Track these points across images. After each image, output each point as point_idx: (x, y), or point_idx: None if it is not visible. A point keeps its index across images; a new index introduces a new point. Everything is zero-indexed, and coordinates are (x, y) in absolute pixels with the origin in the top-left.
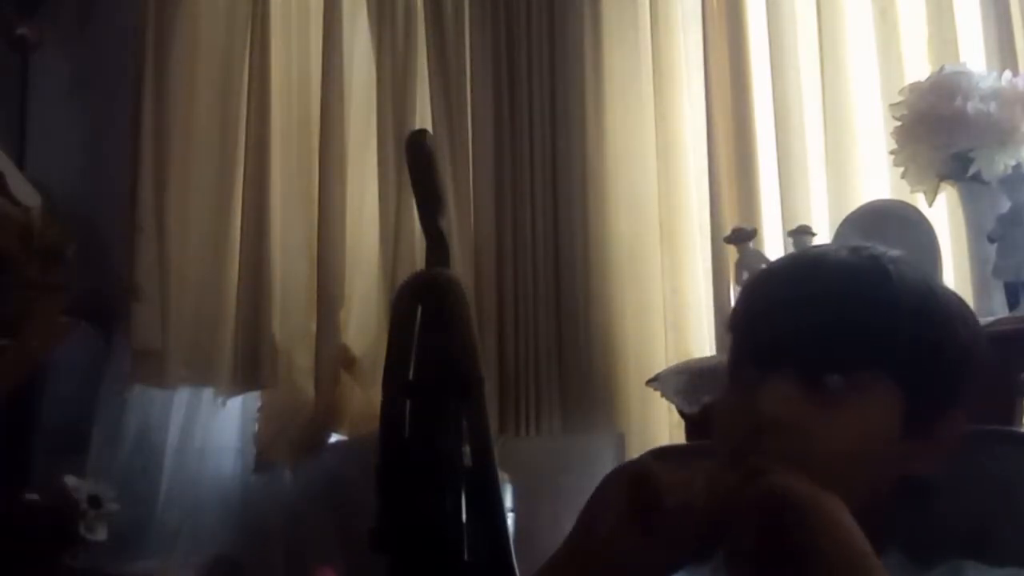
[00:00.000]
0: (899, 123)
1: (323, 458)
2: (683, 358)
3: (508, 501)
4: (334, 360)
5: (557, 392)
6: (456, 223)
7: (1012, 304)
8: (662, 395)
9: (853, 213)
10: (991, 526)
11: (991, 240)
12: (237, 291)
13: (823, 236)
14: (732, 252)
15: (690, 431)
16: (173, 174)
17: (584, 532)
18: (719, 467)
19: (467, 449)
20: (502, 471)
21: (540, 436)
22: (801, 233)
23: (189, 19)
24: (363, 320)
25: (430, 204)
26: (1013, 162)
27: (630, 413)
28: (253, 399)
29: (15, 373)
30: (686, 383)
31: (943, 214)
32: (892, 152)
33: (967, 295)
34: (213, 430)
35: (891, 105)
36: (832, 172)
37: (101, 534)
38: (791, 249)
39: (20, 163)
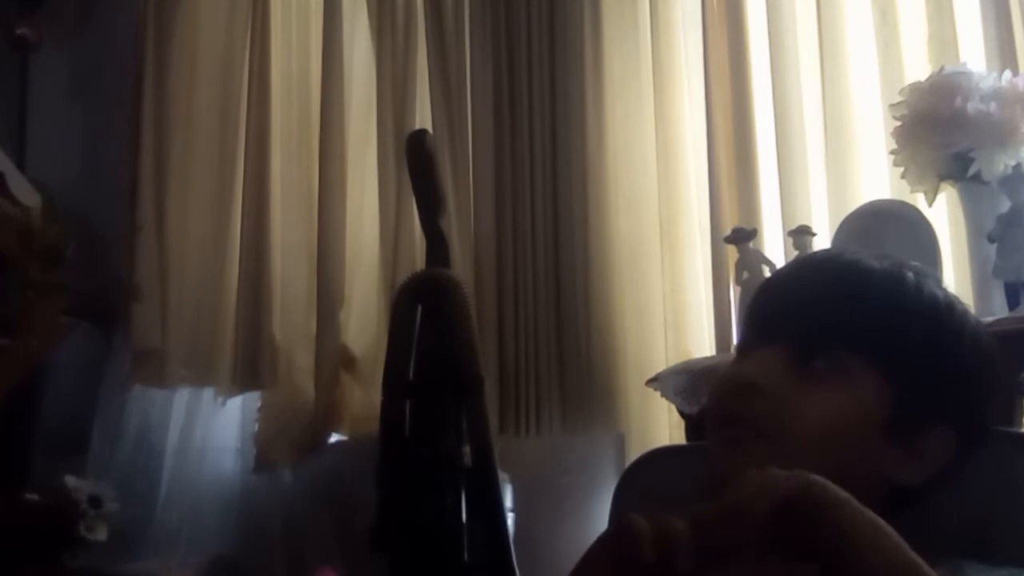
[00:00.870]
0: (899, 123)
1: (323, 458)
2: (683, 358)
3: (508, 501)
4: (334, 360)
5: (557, 392)
6: (456, 223)
7: (1012, 304)
8: (662, 395)
9: (853, 213)
10: (991, 526)
11: (991, 240)
12: (237, 291)
13: (823, 236)
14: (732, 252)
15: (690, 431)
16: (173, 174)
17: None
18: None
19: (467, 449)
20: (502, 471)
21: (540, 436)
22: (801, 233)
23: (189, 19)
24: (363, 320)
25: (430, 204)
26: (1013, 162)
27: (630, 413)
28: (253, 399)
29: (15, 373)
30: (686, 383)
31: (943, 214)
32: (892, 152)
33: (967, 295)
34: (213, 430)
35: (891, 105)
36: (832, 172)
37: (101, 534)
38: (791, 249)
39: (20, 163)
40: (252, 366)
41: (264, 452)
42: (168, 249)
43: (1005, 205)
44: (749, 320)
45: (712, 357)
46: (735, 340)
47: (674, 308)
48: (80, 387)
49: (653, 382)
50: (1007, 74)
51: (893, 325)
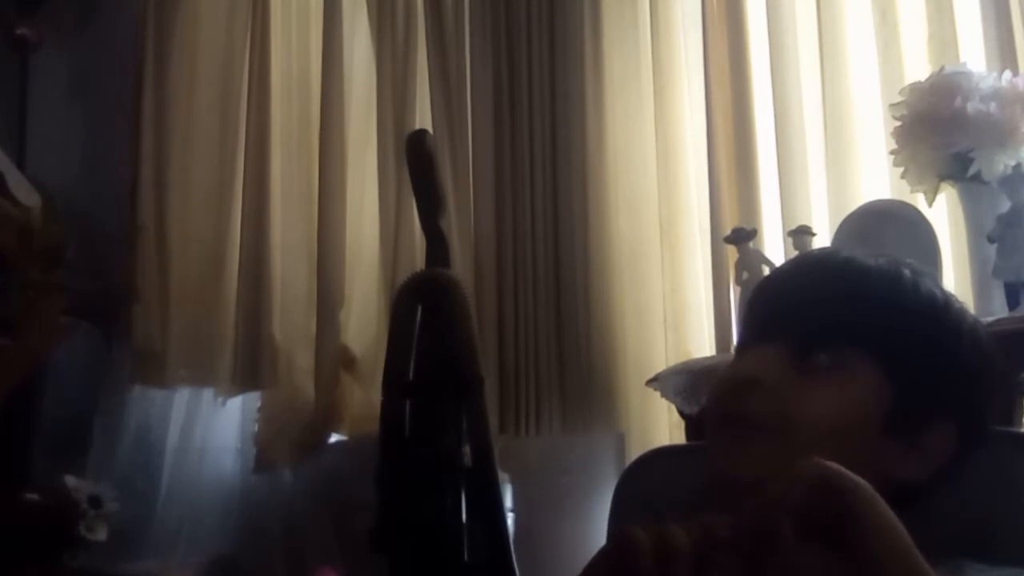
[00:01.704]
0: (899, 123)
1: (323, 458)
2: (683, 358)
3: (508, 501)
4: (334, 360)
5: (557, 392)
6: (456, 223)
7: (1012, 304)
8: (662, 395)
9: (853, 213)
10: (991, 526)
11: (991, 240)
12: (237, 291)
13: (823, 236)
14: (732, 252)
15: (690, 431)
16: (173, 174)
17: None
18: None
19: (467, 449)
20: (502, 471)
21: (540, 436)
22: (801, 233)
23: (189, 19)
24: (363, 320)
25: (430, 204)
26: (1013, 162)
27: (630, 413)
28: (253, 399)
29: (15, 373)
30: (686, 383)
31: (943, 214)
32: (892, 152)
33: (967, 295)
34: (213, 430)
35: (891, 105)
36: (832, 172)
37: (101, 534)
38: (791, 249)
39: (20, 163)
40: (252, 366)
41: (264, 452)
42: (168, 249)
43: (1005, 205)
44: (747, 320)
45: (712, 357)
46: (735, 340)
47: (674, 308)
48: (80, 387)
49: (653, 382)
50: (1007, 74)
51: (892, 322)
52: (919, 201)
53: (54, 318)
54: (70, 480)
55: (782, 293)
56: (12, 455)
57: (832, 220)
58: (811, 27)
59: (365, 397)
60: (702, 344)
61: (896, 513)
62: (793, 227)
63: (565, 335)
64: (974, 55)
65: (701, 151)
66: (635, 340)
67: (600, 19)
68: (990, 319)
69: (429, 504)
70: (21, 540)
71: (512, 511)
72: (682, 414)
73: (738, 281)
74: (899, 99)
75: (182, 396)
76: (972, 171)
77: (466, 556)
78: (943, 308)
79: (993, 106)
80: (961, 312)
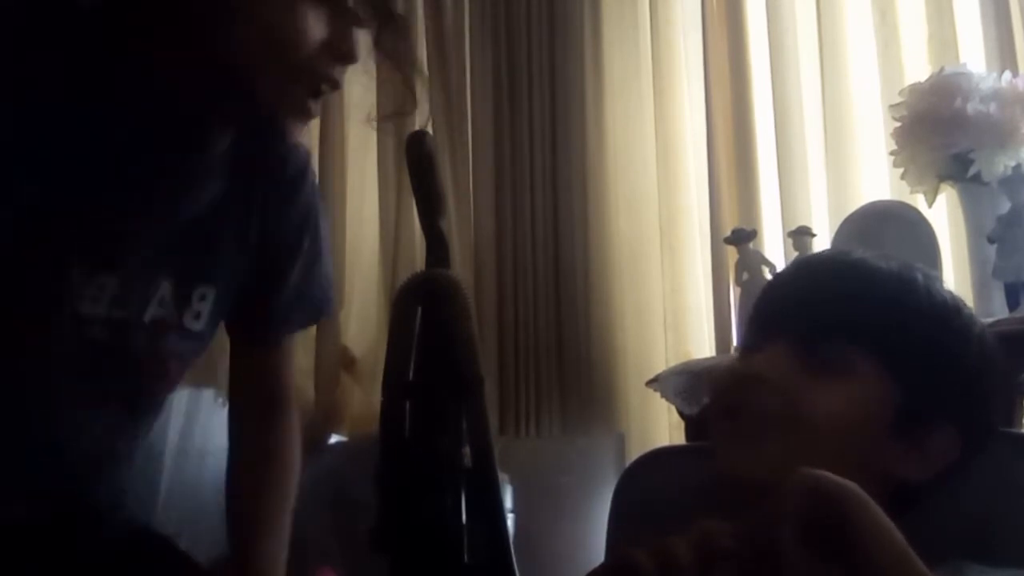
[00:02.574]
0: (899, 124)
1: (323, 458)
2: (683, 359)
3: (508, 501)
4: (334, 360)
5: (557, 392)
6: (456, 223)
7: (1012, 305)
8: (662, 396)
9: (853, 214)
10: (991, 527)
11: (991, 241)
12: None
13: (823, 237)
14: (732, 253)
15: (690, 432)
16: None
17: None
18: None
19: (467, 450)
20: (502, 471)
21: (540, 436)
22: (801, 234)
23: None
24: (363, 320)
25: (430, 205)
26: (1013, 163)
27: (630, 414)
28: None
29: None
30: (686, 384)
31: (943, 215)
32: (892, 153)
33: (967, 296)
34: (213, 430)
35: (891, 106)
36: (832, 172)
37: None
38: (791, 250)
39: None
40: None
41: None
42: None
43: (1005, 206)
44: (753, 319)
45: (712, 358)
46: (735, 341)
47: (674, 309)
48: None
49: (653, 383)
50: (1007, 75)
51: (899, 323)
52: (919, 202)
53: None
54: None
55: (788, 293)
56: None
57: (832, 220)
58: (811, 27)
59: (365, 397)
60: (702, 345)
61: (897, 514)
62: (793, 228)
63: (565, 335)
64: (974, 55)
65: (701, 151)
66: (635, 340)
67: (600, 19)
68: (990, 319)
69: (429, 504)
70: None
71: (512, 511)
72: (682, 415)
73: (738, 282)
74: (899, 99)
75: (182, 396)
76: (972, 172)
77: (466, 556)
78: (954, 313)
79: (993, 107)
80: (971, 318)
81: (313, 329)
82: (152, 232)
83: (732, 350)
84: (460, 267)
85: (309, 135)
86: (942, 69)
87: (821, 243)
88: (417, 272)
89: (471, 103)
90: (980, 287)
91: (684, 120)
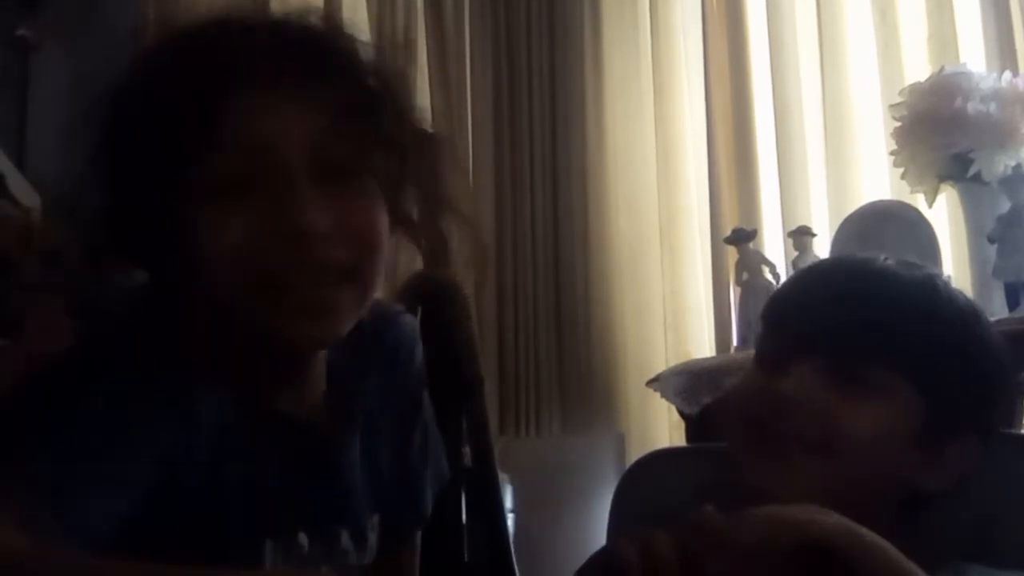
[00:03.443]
0: (899, 124)
1: None
2: (683, 359)
3: (508, 501)
4: None
5: (557, 392)
6: (456, 223)
7: (1012, 305)
8: (662, 396)
9: (853, 213)
10: (993, 528)
11: (991, 241)
12: None
13: (823, 236)
14: (732, 253)
15: (690, 432)
16: None
17: None
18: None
19: (467, 449)
20: (502, 471)
21: (540, 436)
22: (801, 234)
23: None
24: None
25: (430, 204)
26: (1013, 163)
27: (630, 413)
28: None
29: (15, 373)
30: (686, 384)
31: (943, 214)
32: (892, 153)
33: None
34: None
35: (891, 106)
36: (832, 172)
37: None
38: (791, 250)
39: (20, 163)
40: None
41: None
42: None
43: (1005, 206)
44: (775, 329)
45: (712, 358)
46: (735, 341)
47: (674, 309)
48: None
49: (653, 383)
50: (1007, 74)
51: (928, 338)
52: (919, 201)
53: (54, 318)
54: None
55: (817, 305)
56: None
57: (832, 220)
58: (811, 27)
59: None
60: (702, 344)
61: (908, 518)
62: (793, 228)
63: (565, 335)
64: (974, 55)
65: (701, 151)
66: (635, 340)
67: (600, 19)
68: (990, 320)
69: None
70: None
71: (512, 511)
72: (682, 414)
73: (738, 282)
74: (899, 99)
75: None
76: (972, 172)
77: (466, 556)
78: (974, 320)
79: (993, 106)
80: (988, 323)
81: None
82: (325, 498)
83: (732, 350)
84: (460, 267)
85: None
86: (942, 69)
87: (821, 243)
88: (417, 272)
89: (471, 103)
90: (980, 287)
91: (684, 120)
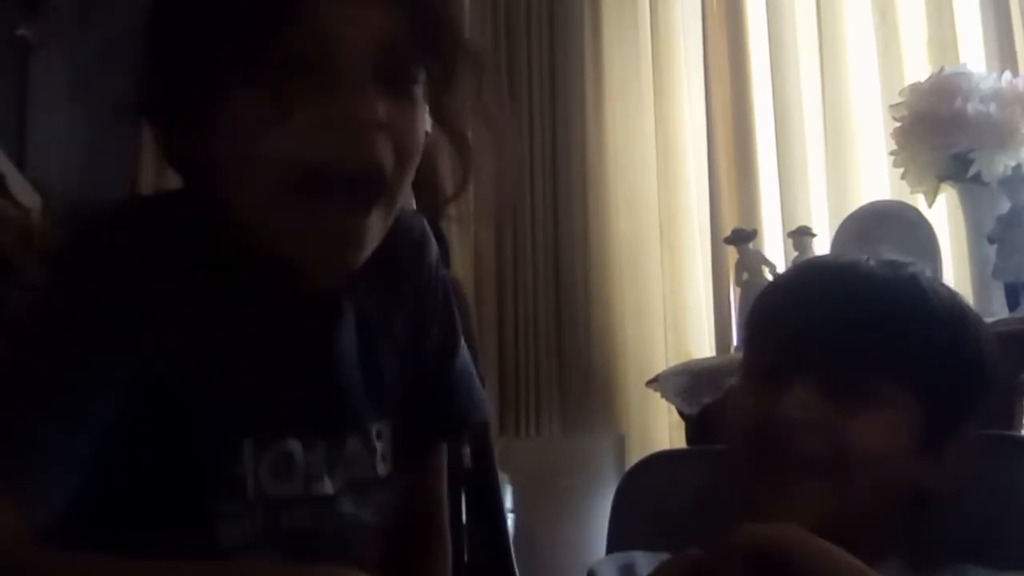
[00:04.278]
0: (899, 124)
1: None
2: (683, 359)
3: (508, 501)
4: None
5: (557, 393)
6: (456, 223)
7: (1012, 305)
8: (662, 396)
9: (853, 213)
10: (993, 530)
11: (991, 241)
12: None
13: (823, 236)
14: (732, 253)
15: (690, 432)
16: (173, 174)
17: None
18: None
19: (467, 449)
20: (502, 471)
21: (540, 437)
22: (801, 234)
23: None
24: None
25: (430, 204)
26: (1013, 163)
27: (630, 414)
28: None
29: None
30: (686, 384)
31: (943, 215)
32: (892, 153)
33: (967, 296)
34: None
35: (891, 106)
36: (832, 172)
37: None
38: (791, 250)
39: (20, 163)
40: None
41: None
42: None
43: (1005, 206)
44: (768, 338)
45: (712, 358)
46: (735, 341)
47: (674, 309)
48: None
49: (653, 383)
50: (1007, 75)
51: (922, 343)
52: (919, 202)
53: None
54: None
55: (807, 317)
56: None
57: (832, 221)
58: (811, 27)
59: None
60: (702, 344)
61: (913, 518)
62: (793, 228)
63: (565, 335)
64: (974, 55)
65: (701, 151)
66: (635, 340)
67: (600, 19)
68: (990, 320)
69: None
70: None
71: (512, 511)
72: (682, 415)
73: (738, 282)
74: (899, 100)
75: None
76: (972, 172)
77: (466, 556)
78: (963, 317)
79: (993, 107)
80: (978, 318)
81: None
82: (317, 399)
83: (732, 350)
84: (460, 267)
85: None
86: (942, 69)
87: (821, 243)
88: None
89: None
90: (980, 287)
91: (684, 120)
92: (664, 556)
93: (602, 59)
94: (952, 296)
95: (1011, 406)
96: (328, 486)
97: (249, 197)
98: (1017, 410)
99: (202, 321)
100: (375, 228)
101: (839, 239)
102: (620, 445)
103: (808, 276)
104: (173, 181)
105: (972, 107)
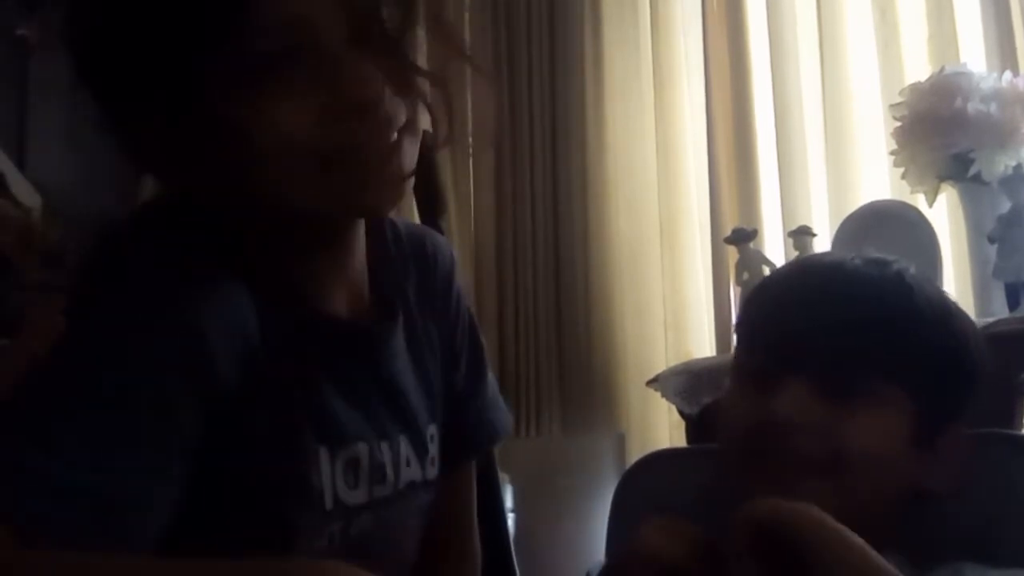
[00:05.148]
0: (899, 124)
1: None
2: (683, 358)
3: (508, 501)
4: None
5: (557, 392)
6: (456, 223)
7: (1012, 305)
8: (662, 396)
9: (853, 213)
10: (992, 528)
11: (991, 241)
12: None
13: (823, 236)
14: (732, 252)
15: (690, 432)
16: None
17: None
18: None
19: None
20: (502, 471)
21: (540, 436)
22: (801, 233)
23: None
24: None
25: (430, 204)
26: (1013, 163)
27: (630, 413)
28: None
29: (15, 373)
30: (686, 384)
31: (943, 214)
32: (892, 153)
33: (967, 295)
34: None
35: (891, 106)
36: (832, 172)
37: None
38: (791, 249)
39: (20, 163)
40: None
41: None
42: None
43: (1005, 206)
44: (758, 341)
45: (712, 357)
46: (735, 341)
47: (674, 308)
48: None
49: (653, 383)
50: (1007, 74)
51: (911, 340)
52: (919, 201)
53: (54, 318)
54: None
55: (798, 317)
56: None
57: (832, 220)
58: (811, 27)
59: None
60: (702, 344)
61: (919, 512)
62: (793, 227)
63: (565, 335)
64: (974, 55)
65: (701, 151)
66: (635, 340)
67: (600, 19)
68: (990, 319)
69: None
70: None
71: (512, 511)
72: (682, 414)
73: (738, 281)
74: (899, 99)
75: None
76: (972, 172)
77: None
78: (950, 315)
79: (993, 106)
80: (961, 312)
81: None
82: (379, 400)
83: (732, 350)
84: (460, 267)
85: None
86: (942, 69)
87: (821, 243)
88: None
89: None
90: (980, 287)
91: (684, 120)
92: None
93: (602, 59)
94: (938, 293)
95: (1011, 406)
96: (389, 488)
97: (280, 176)
98: (1017, 410)
99: (255, 326)
100: (408, 159)
101: (839, 239)
102: (620, 445)
103: (795, 277)
104: None
105: (972, 107)
